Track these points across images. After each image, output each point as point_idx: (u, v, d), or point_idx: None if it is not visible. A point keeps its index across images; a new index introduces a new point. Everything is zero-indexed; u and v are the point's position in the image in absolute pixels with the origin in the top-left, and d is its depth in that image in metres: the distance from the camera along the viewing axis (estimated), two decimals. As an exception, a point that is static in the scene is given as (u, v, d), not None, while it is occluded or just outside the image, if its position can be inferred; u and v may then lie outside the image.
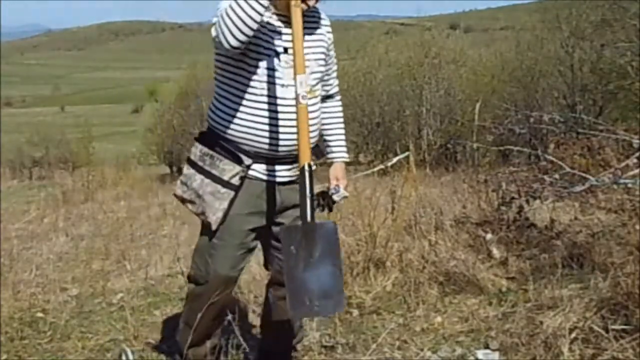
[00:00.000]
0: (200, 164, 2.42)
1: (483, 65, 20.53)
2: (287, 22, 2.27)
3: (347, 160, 2.60)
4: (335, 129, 2.60)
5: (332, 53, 2.52)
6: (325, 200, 2.40)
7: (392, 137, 18.59)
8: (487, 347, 2.84)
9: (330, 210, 2.50)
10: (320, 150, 2.57)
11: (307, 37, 2.32)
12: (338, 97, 2.64)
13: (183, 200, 2.48)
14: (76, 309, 3.74)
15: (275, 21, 2.32)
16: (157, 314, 3.64)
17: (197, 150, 2.44)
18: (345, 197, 2.51)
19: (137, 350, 3.04)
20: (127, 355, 2.82)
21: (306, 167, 2.17)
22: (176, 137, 28.90)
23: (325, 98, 2.57)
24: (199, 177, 2.41)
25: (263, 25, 2.26)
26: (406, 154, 4.46)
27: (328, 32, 2.47)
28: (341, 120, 2.64)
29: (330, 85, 2.58)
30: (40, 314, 3.60)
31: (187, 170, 2.46)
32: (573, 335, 2.61)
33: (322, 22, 2.47)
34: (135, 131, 41.59)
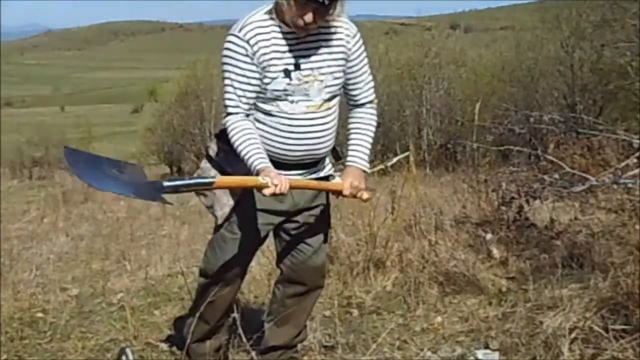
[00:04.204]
0: (216, 159, 2.48)
1: (483, 65, 20.52)
2: (296, 38, 2.29)
3: (361, 167, 2.47)
4: (357, 135, 2.50)
5: (356, 62, 2.44)
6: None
7: (392, 137, 18.54)
8: (487, 347, 2.84)
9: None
10: (337, 153, 2.57)
11: (322, 50, 2.34)
12: (370, 106, 2.51)
13: (197, 192, 2.51)
14: (76, 309, 3.74)
15: (285, 40, 2.30)
16: (157, 314, 3.64)
17: (215, 146, 2.49)
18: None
19: (137, 350, 3.03)
20: (127, 355, 2.82)
21: None
22: (176, 137, 28.89)
23: (356, 107, 2.51)
24: (213, 172, 2.46)
25: (274, 44, 2.28)
26: (406, 154, 4.44)
27: (349, 42, 2.39)
28: (367, 128, 2.50)
29: (358, 95, 2.49)
30: (40, 314, 3.60)
31: (204, 164, 2.52)
32: (573, 335, 2.60)
33: (342, 30, 2.38)
34: (135, 131, 41.59)
